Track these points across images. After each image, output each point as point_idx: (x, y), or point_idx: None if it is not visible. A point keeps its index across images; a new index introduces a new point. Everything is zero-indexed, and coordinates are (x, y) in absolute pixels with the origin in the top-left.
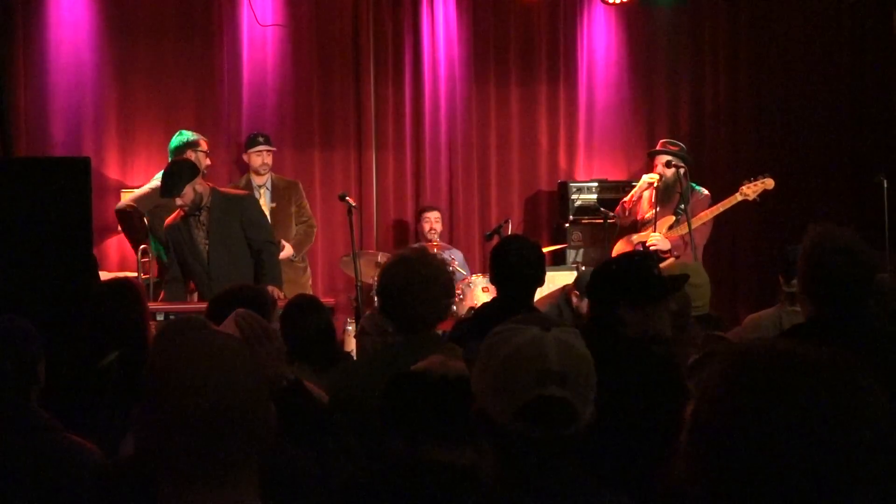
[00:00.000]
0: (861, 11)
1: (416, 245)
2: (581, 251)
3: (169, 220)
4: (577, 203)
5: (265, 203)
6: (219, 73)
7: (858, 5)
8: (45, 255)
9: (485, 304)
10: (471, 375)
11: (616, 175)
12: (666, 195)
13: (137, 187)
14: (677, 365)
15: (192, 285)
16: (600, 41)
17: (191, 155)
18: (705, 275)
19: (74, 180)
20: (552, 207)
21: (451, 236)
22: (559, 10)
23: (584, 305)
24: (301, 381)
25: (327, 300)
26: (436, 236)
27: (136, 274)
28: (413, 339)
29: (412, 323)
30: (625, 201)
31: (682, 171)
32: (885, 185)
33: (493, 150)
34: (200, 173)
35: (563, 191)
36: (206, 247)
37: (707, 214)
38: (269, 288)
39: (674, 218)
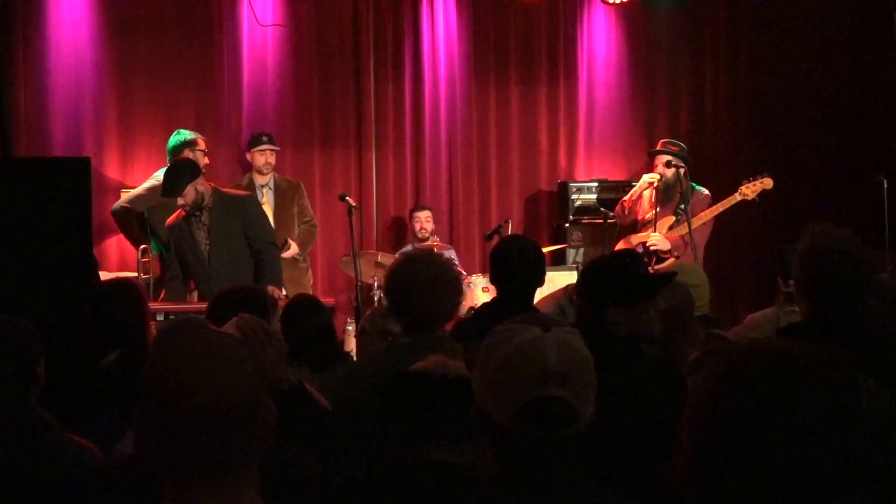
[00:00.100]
0: (861, 11)
1: (414, 246)
2: (581, 251)
3: (170, 219)
4: (577, 203)
5: (267, 203)
6: (219, 73)
7: (858, 5)
8: (45, 255)
9: (485, 304)
10: (471, 375)
11: (616, 175)
12: (666, 195)
13: (139, 186)
14: (671, 364)
15: (192, 284)
16: (600, 41)
17: (189, 154)
18: (704, 275)
19: (74, 180)
20: (552, 207)
21: (451, 236)
22: (559, 10)
23: None
24: (303, 384)
25: (327, 300)
26: (427, 235)
27: (136, 274)
28: (419, 339)
29: (419, 322)
30: (624, 200)
31: (682, 171)
32: (885, 185)
33: (493, 150)
34: (202, 173)
35: (563, 191)
36: (207, 246)
37: (707, 215)
38: (270, 288)
39: (674, 218)
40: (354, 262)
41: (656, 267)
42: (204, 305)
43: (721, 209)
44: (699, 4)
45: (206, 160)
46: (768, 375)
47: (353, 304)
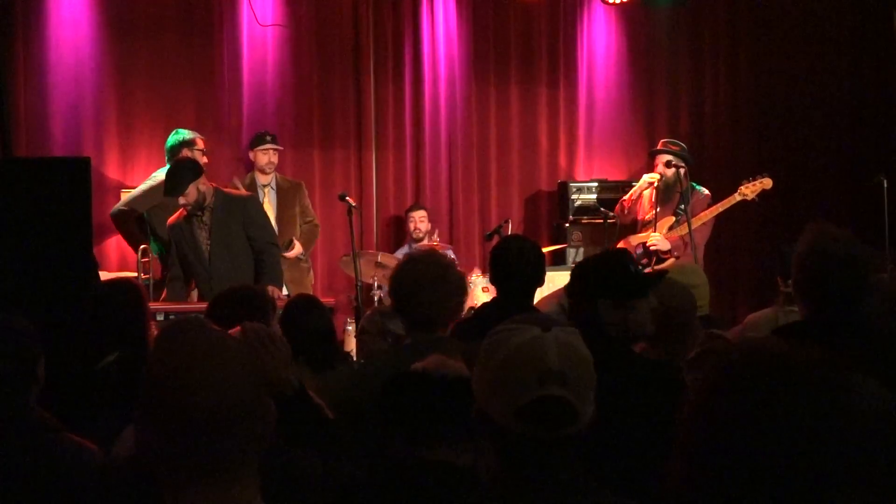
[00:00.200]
0: (861, 11)
1: (411, 246)
2: (581, 251)
3: (171, 219)
4: (577, 203)
5: (269, 202)
6: (219, 73)
7: (858, 5)
8: (45, 255)
9: (485, 304)
10: (471, 375)
11: (616, 175)
12: (666, 195)
13: (137, 187)
14: (662, 364)
15: (192, 284)
16: (600, 41)
17: (187, 154)
18: (704, 275)
19: (74, 180)
20: (552, 207)
21: (451, 236)
22: (559, 10)
23: None
24: (305, 389)
25: (327, 300)
26: (422, 235)
27: (136, 274)
28: (423, 340)
29: (423, 322)
30: (624, 200)
31: (682, 171)
32: (885, 185)
33: (493, 150)
34: (203, 172)
35: (563, 191)
36: (208, 246)
37: (706, 215)
38: (269, 288)
39: (673, 218)
40: (354, 262)
41: (656, 267)
42: (204, 305)
43: (721, 209)
44: (699, 4)
45: (205, 160)
46: (762, 376)
47: (353, 304)
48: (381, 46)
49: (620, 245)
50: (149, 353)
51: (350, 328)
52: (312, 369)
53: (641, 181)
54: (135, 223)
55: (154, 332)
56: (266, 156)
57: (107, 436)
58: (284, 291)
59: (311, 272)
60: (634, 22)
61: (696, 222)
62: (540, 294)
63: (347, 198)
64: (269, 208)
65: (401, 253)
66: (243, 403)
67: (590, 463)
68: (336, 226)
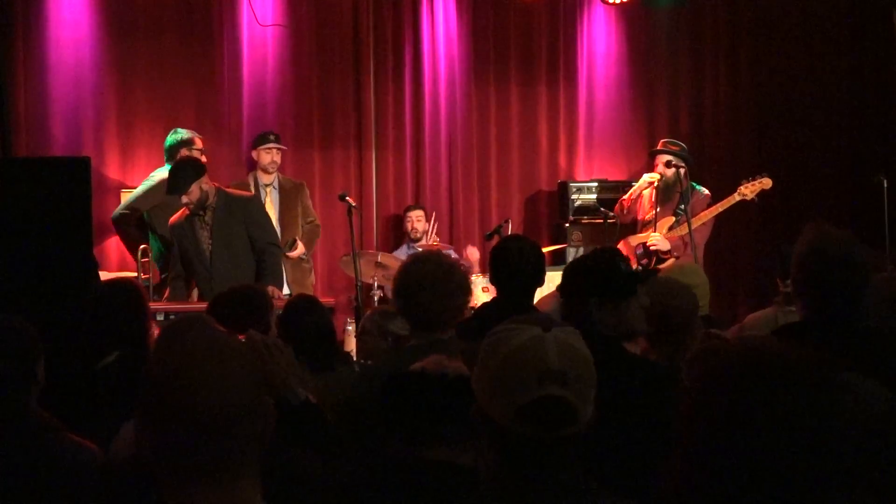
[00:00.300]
0: (861, 11)
1: (409, 246)
2: (581, 251)
3: (173, 218)
4: (577, 203)
5: (271, 202)
6: (219, 73)
7: (858, 5)
8: (45, 255)
9: (485, 304)
10: (471, 375)
11: (616, 175)
12: (666, 195)
13: (137, 187)
14: (651, 364)
15: (192, 283)
16: (600, 41)
17: (185, 153)
18: (704, 275)
19: (74, 180)
20: (552, 207)
21: (451, 236)
22: (559, 10)
23: None
24: (310, 399)
25: (327, 300)
26: (419, 235)
27: (136, 274)
28: (427, 342)
29: (427, 322)
30: (623, 199)
31: (682, 171)
32: (885, 185)
33: (493, 150)
34: (206, 172)
35: (563, 191)
36: (210, 246)
37: (706, 215)
38: (269, 288)
39: (673, 219)
40: (354, 262)
41: (657, 267)
42: (204, 305)
43: (720, 209)
44: (699, 4)
45: (204, 159)
46: (755, 376)
47: (353, 304)
48: (381, 46)
49: (620, 245)
50: (149, 352)
51: (350, 328)
52: (311, 370)
53: (641, 181)
54: (135, 223)
55: (154, 332)
56: (269, 155)
57: (107, 436)
58: (286, 291)
59: (313, 272)
60: (634, 22)
61: (696, 222)
62: (540, 294)
63: (347, 198)
64: (271, 208)
65: (399, 253)
66: (244, 403)
67: (585, 462)
68: (336, 226)
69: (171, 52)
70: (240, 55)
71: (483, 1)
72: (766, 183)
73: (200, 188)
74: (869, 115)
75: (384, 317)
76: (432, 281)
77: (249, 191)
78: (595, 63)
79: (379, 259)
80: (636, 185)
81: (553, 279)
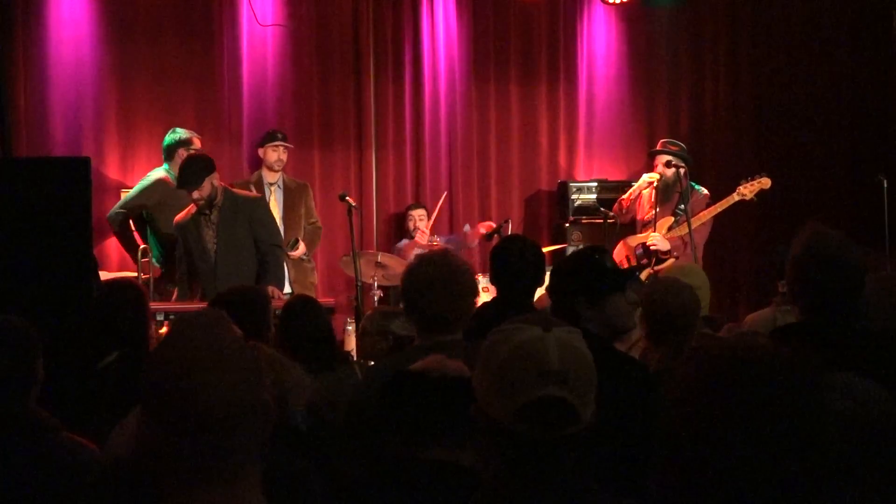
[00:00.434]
0: (861, 11)
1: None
2: None
3: (178, 217)
4: (577, 203)
5: (275, 201)
6: (219, 73)
7: (858, 5)
8: (45, 255)
9: (485, 304)
10: (471, 375)
11: (616, 175)
12: (666, 195)
13: (133, 188)
14: (640, 363)
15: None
16: (600, 41)
17: (183, 153)
18: (705, 276)
19: (74, 180)
20: (552, 207)
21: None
22: (559, 9)
23: None
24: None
25: (327, 300)
26: (419, 234)
27: (136, 274)
28: (433, 342)
29: (435, 323)
30: (623, 199)
31: (682, 170)
32: (885, 185)
33: (493, 150)
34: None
35: (563, 191)
36: (215, 245)
37: (705, 215)
38: (269, 288)
39: (672, 219)
40: (354, 262)
41: (656, 268)
42: (204, 305)
43: (719, 209)
44: (699, 4)
45: None
46: (735, 376)
47: (353, 304)
48: (381, 46)
49: (619, 245)
50: (152, 351)
51: (350, 328)
52: (310, 371)
53: (641, 181)
54: (135, 222)
55: (154, 332)
56: (276, 153)
57: (107, 436)
58: (287, 290)
59: (315, 272)
60: (634, 22)
61: (695, 222)
62: (539, 294)
63: (347, 198)
64: (275, 207)
65: (400, 245)
66: (245, 402)
67: (585, 462)
68: (336, 226)
69: (171, 52)
70: (240, 55)
71: (483, 1)
72: (765, 183)
73: (212, 184)
74: (869, 115)
75: (385, 317)
76: (439, 283)
77: (251, 189)
78: (595, 63)
79: (379, 259)
80: (636, 185)
81: None
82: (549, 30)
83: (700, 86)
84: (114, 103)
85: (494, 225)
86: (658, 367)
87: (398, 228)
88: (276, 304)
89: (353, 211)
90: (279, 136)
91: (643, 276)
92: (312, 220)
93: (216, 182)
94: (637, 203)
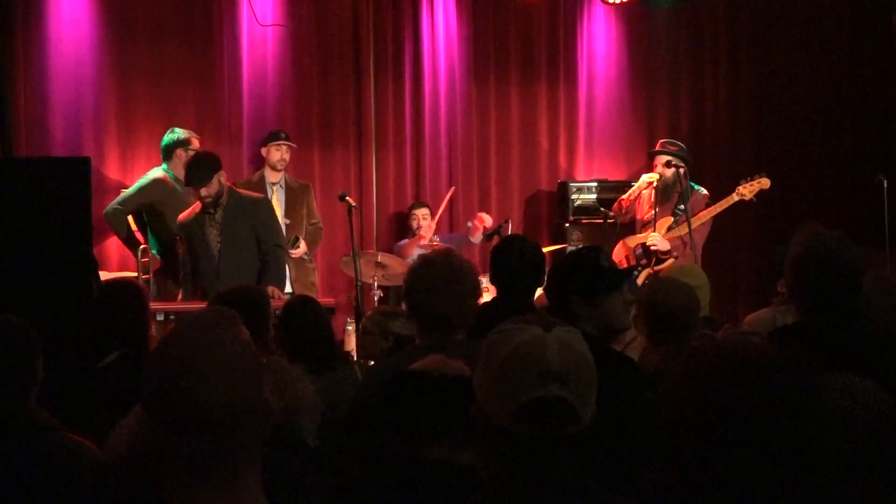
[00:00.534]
0: (861, 11)
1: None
2: None
3: (182, 215)
4: (577, 203)
5: (277, 201)
6: (219, 73)
7: (858, 5)
8: (45, 255)
9: (485, 304)
10: (471, 375)
11: (616, 175)
12: (665, 195)
13: (131, 186)
14: (632, 361)
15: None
16: (600, 41)
17: (181, 154)
18: (705, 277)
19: (74, 180)
20: (552, 207)
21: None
22: (559, 10)
23: None
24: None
25: (327, 300)
26: (423, 232)
27: (136, 274)
28: (436, 343)
29: (438, 323)
30: (623, 199)
31: (681, 170)
32: (885, 185)
33: (493, 150)
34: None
35: (563, 191)
36: (219, 244)
37: (704, 215)
38: (269, 288)
39: (672, 219)
40: (354, 262)
41: (656, 268)
42: (204, 305)
43: (718, 210)
44: (699, 4)
45: None
46: (728, 376)
47: (353, 304)
48: (381, 46)
49: (618, 245)
50: (152, 351)
51: (350, 328)
52: (310, 371)
53: (640, 181)
54: (136, 222)
55: (155, 332)
56: (279, 152)
57: (107, 436)
58: (288, 289)
59: (316, 272)
60: (634, 22)
61: (695, 222)
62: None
63: (347, 198)
64: (277, 207)
65: (401, 244)
66: (246, 402)
67: (585, 462)
68: (336, 226)
69: (171, 52)
70: (240, 55)
71: (483, 1)
72: (765, 183)
73: (219, 182)
74: (869, 115)
75: (385, 317)
76: (442, 284)
77: (251, 188)
78: (595, 63)
79: (379, 259)
80: (635, 186)
81: None
82: (549, 30)
83: (700, 86)
84: (114, 103)
85: (491, 218)
86: (659, 367)
87: (398, 228)
88: (276, 304)
89: (353, 211)
90: (282, 135)
91: (643, 275)
92: (314, 221)
93: (223, 180)
94: (637, 203)
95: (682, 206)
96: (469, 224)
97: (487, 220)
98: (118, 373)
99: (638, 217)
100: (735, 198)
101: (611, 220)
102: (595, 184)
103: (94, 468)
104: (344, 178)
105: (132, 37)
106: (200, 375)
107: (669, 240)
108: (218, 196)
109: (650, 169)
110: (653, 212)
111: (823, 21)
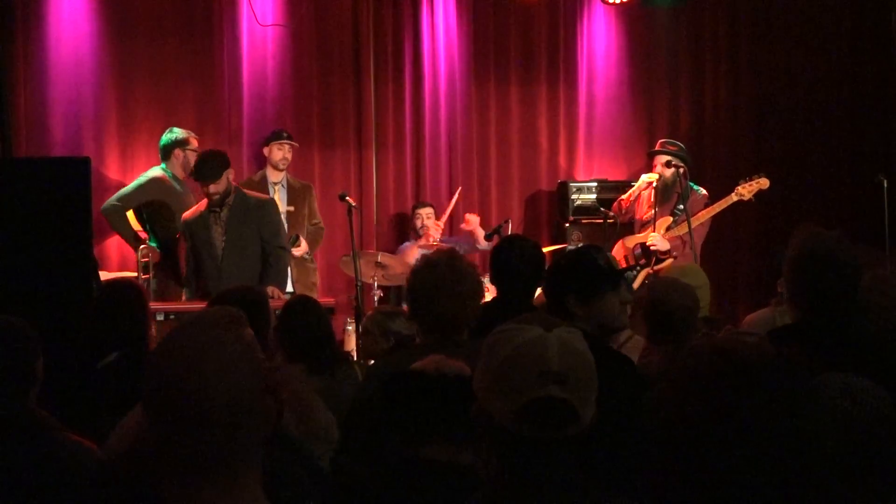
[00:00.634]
0: (861, 11)
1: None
2: None
3: (187, 214)
4: (577, 203)
5: (279, 200)
6: (219, 73)
7: (858, 5)
8: (45, 255)
9: (485, 304)
10: (471, 375)
11: (616, 175)
12: (665, 195)
13: (129, 184)
14: (629, 360)
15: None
16: (600, 41)
17: (179, 154)
18: (705, 277)
19: (74, 180)
20: (552, 207)
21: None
22: (559, 10)
23: None
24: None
25: (327, 300)
26: (430, 233)
27: (136, 274)
28: (438, 343)
29: (440, 324)
30: (622, 199)
31: (681, 170)
32: (885, 185)
33: (493, 150)
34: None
35: (562, 190)
36: (222, 244)
37: (703, 215)
38: (270, 289)
39: (671, 219)
40: (354, 262)
41: (655, 268)
42: (203, 305)
43: (717, 210)
44: (699, 4)
45: None
46: (723, 376)
47: (353, 304)
48: (381, 46)
49: (617, 245)
50: (152, 351)
51: (350, 328)
52: (310, 371)
53: (640, 181)
54: (138, 222)
55: (154, 332)
56: (281, 151)
57: (107, 436)
58: (289, 289)
59: (317, 272)
60: (634, 22)
61: (694, 222)
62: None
63: (347, 198)
64: (279, 207)
65: (404, 248)
66: (247, 402)
67: (585, 462)
68: (336, 226)
69: (171, 52)
70: (240, 55)
71: (483, 1)
72: (763, 183)
73: (228, 179)
74: (869, 115)
75: (386, 317)
76: (444, 285)
77: (252, 188)
78: (595, 63)
79: (379, 259)
80: (635, 186)
81: None
82: (549, 30)
83: (700, 86)
84: (114, 103)
85: (477, 218)
86: (659, 367)
87: (398, 228)
88: (276, 305)
89: (353, 211)
90: (285, 134)
91: (642, 275)
92: (315, 221)
93: (231, 178)
94: (636, 203)
95: (682, 206)
96: (463, 226)
97: (472, 222)
98: (118, 373)
99: (637, 217)
100: (734, 198)
101: (610, 220)
102: (595, 184)
103: (95, 468)
104: (344, 178)
105: (132, 37)
106: (201, 375)
107: (669, 240)
108: (225, 194)
109: (650, 169)
110: (652, 212)
111: (823, 21)
